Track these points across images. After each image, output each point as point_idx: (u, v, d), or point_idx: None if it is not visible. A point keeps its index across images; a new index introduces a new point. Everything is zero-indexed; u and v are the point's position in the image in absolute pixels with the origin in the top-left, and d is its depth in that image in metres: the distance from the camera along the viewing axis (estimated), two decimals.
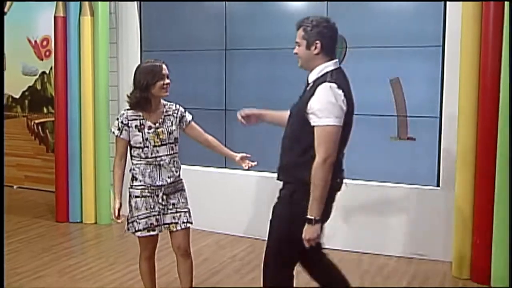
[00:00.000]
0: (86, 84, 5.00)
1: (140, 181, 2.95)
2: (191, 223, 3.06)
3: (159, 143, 2.94)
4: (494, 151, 3.60)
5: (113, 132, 2.98)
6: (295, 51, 2.56)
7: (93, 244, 4.63)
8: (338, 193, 2.62)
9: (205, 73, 5.00)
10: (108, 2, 5.02)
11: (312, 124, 2.41)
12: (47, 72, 6.37)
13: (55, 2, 5.00)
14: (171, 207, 3.00)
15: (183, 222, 3.02)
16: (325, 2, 4.39)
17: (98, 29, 4.95)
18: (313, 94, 2.42)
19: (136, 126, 2.92)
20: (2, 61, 4.89)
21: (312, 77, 2.52)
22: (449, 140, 4.02)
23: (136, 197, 2.96)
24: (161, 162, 2.95)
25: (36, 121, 6.58)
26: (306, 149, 2.45)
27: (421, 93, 4.17)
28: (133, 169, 2.99)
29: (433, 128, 4.14)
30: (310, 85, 2.50)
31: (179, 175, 3.07)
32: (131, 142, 2.96)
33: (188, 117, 3.11)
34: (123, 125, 2.94)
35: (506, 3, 3.54)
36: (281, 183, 2.62)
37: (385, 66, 4.25)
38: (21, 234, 4.76)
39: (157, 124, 2.95)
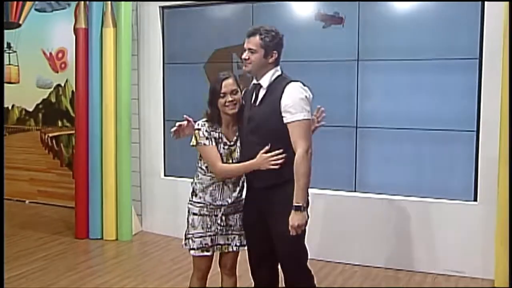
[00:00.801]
0: (108, 97, 4.88)
1: (200, 197, 2.85)
2: (244, 246, 2.94)
3: (231, 162, 2.81)
4: None
5: (204, 144, 2.76)
6: (248, 56, 2.66)
7: (117, 262, 4.47)
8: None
9: None
10: (130, 13, 4.92)
11: (287, 120, 2.58)
12: (62, 84, 6.25)
13: (71, 14, 4.89)
14: (228, 228, 2.89)
15: (236, 245, 2.91)
16: (357, 15, 4.31)
17: (121, 41, 4.85)
18: (280, 95, 2.58)
19: (215, 138, 2.79)
20: (2, 61, 4.75)
21: (265, 82, 2.68)
22: (486, 154, 3.92)
23: (194, 214, 2.86)
24: (227, 181, 2.84)
25: (50, 135, 6.44)
26: (288, 148, 2.59)
27: (457, 106, 4.07)
28: (195, 184, 2.88)
29: (469, 142, 4.05)
30: (266, 90, 2.67)
31: (241, 196, 2.93)
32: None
33: None
34: (208, 134, 2.77)
35: (506, 3, 3.52)
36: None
37: (420, 79, 4.16)
38: (43, 251, 4.61)
39: (232, 142, 2.82)
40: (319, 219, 4.31)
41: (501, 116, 3.70)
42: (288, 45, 2.82)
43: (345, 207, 4.35)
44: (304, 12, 4.54)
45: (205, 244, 2.85)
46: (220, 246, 2.89)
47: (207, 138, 2.77)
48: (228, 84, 2.73)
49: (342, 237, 4.33)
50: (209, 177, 2.84)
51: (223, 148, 2.80)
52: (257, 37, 2.65)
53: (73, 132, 6.16)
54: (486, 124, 3.92)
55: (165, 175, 5.21)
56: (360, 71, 4.34)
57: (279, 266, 2.87)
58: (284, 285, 2.88)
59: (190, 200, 2.90)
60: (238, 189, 2.88)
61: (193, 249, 2.85)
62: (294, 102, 2.57)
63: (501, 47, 3.66)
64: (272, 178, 2.66)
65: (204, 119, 2.83)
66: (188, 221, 2.89)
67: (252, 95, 2.75)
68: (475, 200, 4.03)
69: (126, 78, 4.90)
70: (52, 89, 6.35)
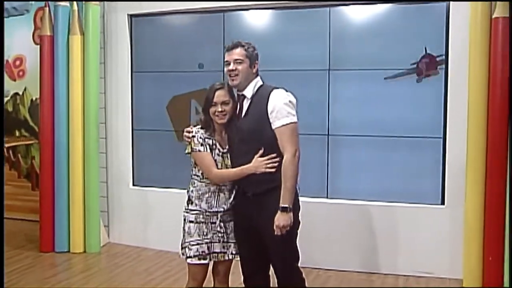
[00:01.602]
0: (75, 106, 4.76)
1: (196, 205, 2.86)
2: (238, 254, 2.95)
3: (224, 168, 2.85)
4: (504, 167, 3.72)
5: (199, 150, 2.81)
6: (236, 67, 2.74)
7: (90, 274, 4.33)
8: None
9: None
10: (99, 20, 4.83)
11: (275, 126, 2.66)
12: (20, 93, 6.03)
13: (29, 21, 4.68)
14: (224, 235, 2.90)
15: (232, 253, 2.92)
16: (328, 24, 4.42)
17: (89, 49, 4.74)
18: (266, 102, 2.67)
19: (209, 145, 2.84)
20: (2, 62, 4.57)
21: (249, 93, 2.76)
22: (453, 159, 4.11)
23: (190, 222, 2.87)
24: (222, 187, 2.87)
25: (7, 145, 6.19)
26: (279, 153, 2.68)
27: (425, 114, 4.23)
28: (191, 191, 2.90)
29: (436, 148, 4.22)
30: (251, 100, 2.75)
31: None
32: None
33: None
34: (202, 140, 2.83)
35: (472, 12, 3.72)
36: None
37: (388, 88, 4.31)
38: (9, 266, 4.39)
39: (224, 149, 2.87)
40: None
41: (468, 122, 3.88)
42: (261, 54, 2.91)
43: (318, 213, 4.41)
44: (276, 21, 4.62)
45: (202, 252, 2.83)
46: (216, 254, 2.88)
47: (201, 145, 2.82)
48: (220, 94, 2.80)
49: (316, 243, 4.39)
50: (204, 184, 2.85)
51: (217, 155, 2.84)
52: (240, 49, 2.77)
53: (32, 142, 6.00)
54: (453, 130, 4.10)
55: (133, 185, 5.12)
56: (331, 80, 4.45)
57: (271, 270, 2.90)
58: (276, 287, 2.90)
59: (186, 209, 2.90)
60: (233, 196, 2.89)
61: (190, 257, 2.83)
62: (280, 107, 2.66)
63: (467, 55, 3.84)
64: (265, 184, 2.72)
65: (199, 126, 2.87)
66: (184, 230, 2.88)
67: (237, 106, 2.82)
68: (443, 203, 4.21)
69: (94, 86, 4.80)
70: (9, 97, 6.11)
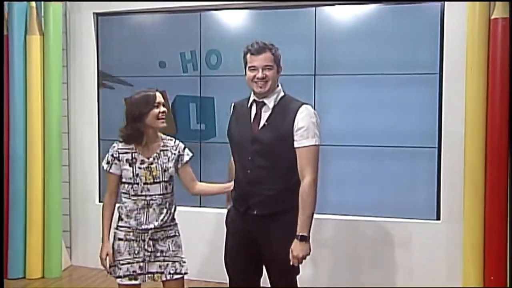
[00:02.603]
0: (34, 114, 4.27)
1: (126, 222, 2.75)
2: (182, 274, 2.80)
3: (151, 181, 2.71)
4: (505, 178, 3.51)
5: (103, 167, 2.78)
6: (266, 74, 2.51)
7: None
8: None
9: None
10: (61, 20, 4.37)
11: (298, 145, 2.46)
12: None
13: None
14: (158, 254, 2.76)
15: (170, 273, 2.76)
16: (313, 27, 4.12)
17: (49, 50, 4.27)
18: (293, 117, 2.46)
19: (127, 160, 2.72)
20: (2, 61, 4.10)
21: (271, 101, 2.54)
22: (449, 171, 3.86)
23: (120, 239, 2.76)
24: (151, 202, 2.72)
25: None
26: (295, 173, 2.47)
27: (418, 122, 3.97)
28: (121, 208, 2.79)
29: (430, 158, 3.96)
30: (272, 110, 2.52)
31: (172, 219, 2.83)
32: (122, 178, 2.75)
33: (186, 156, 2.86)
34: (113, 159, 2.74)
35: (484, 12, 3.52)
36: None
37: (379, 94, 4.03)
38: None
39: (150, 159, 2.73)
40: None
41: (465, 130, 3.65)
42: (240, 58, 2.65)
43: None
44: (257, 22, 4.28)
45: (133, 271, 2.72)
46: (152, 275, 2.75)
47: (108, 162, 2.76)
48: (159, 95, 2.72)
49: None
50: (133, 201, 2.73)
51: (139, 168, 2.70)
52: (268, 53, 2.54)
53: None
54: (448, 140, 3.86)
55: (99, 201, 4.64)
56: (317, 86, 4.15)
57: None
58: None
59: (116, 226, 2.79)
60: (164, 211, 2.75)
61: (120, 277, 2.72)
62: (308, 126, 2.47)
63: (463, 58, 3.63)
64: (276, 205, 2.52)
65: (119, 140, 2.76)
66: (113, 248, 2.76)
67: (250, 113, 2.59)
68: (438, 218, 3.94)
69: (56, 92, 4.33)
70: None
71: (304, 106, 2.52)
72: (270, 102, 2.55)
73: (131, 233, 2.72)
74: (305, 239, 2.45)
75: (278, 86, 2.60)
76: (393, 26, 3.98)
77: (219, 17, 4.35)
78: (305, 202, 2.43)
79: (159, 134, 2.80)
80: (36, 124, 4.28)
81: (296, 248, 2.44)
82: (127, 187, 2.72)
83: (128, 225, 2.73)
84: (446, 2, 3.81)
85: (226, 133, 2.75)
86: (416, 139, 3.98)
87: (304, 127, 2.46)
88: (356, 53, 4.05)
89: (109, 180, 2.77)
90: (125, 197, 2.76)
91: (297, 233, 2.44)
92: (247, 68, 2.57)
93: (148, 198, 2.71)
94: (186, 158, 2.83)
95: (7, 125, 4.28)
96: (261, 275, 2.72)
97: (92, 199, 4.63)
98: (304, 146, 2.46)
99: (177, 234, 2.84)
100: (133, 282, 2.72)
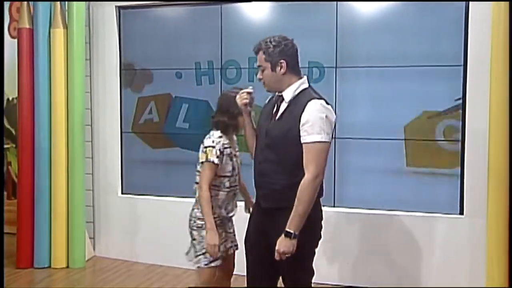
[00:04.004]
0: (58, 107, 4.34)
1: (215, 213, 2.86)
2: (237, 244, 3.09)
3: (238, 172, 2.98)
4: None
5: (213, 161, 2.81)
6: (259, 76, 2.55)
7: None
8: None
9: (198, 94, 4.50)
10: (84, 13, 4.41)
11: (304, 140, 2.39)
12: None
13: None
14: (232, 231, 3.08)
15: (235, 245, 3.07)
16: (335, 19, 4.08)
17: (73, 44, 4.32)
18: (301, 112, 2.39)
19: (228, 154, 2.89)
20: (2, 61, 4.17)
21: (288, 96, 2.48)
22: (473, 165, 3.80)
23: None
24: (236, 192, 2.98)
25: None
26: (301, 169, 2.39)
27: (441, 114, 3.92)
28: (218, 198, 2.92)
29: (454, 152, 3.91)
30: (288, 104, 2.48)
31: None
32: (220, 171, 2.88)
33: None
34: (220, 153, 2.85)
35: (506, 3, 3.42)
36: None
37: (402, 87, 3.99)
38: None
39: (237, 153, 2.99)
40: None
41: (489, 124, 3.58)
42: None
43: (324, 223, 4.06)
44: (278, 15, 4.26)
45: (220, 256, 2.91)
46: (226, 251, 3.00)
47: (217, 157, 2.82)
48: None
49: (322, 256, 4.03)
50: (225, 193, 2.90)
51: (236, 162, 2.93)
52: (260, 53, 2.52)
53: (8, 146, 5.53)
54: (472, 133, 3.79)
55: (122, 193, 4.70)
56: (338, 78, 4.12)
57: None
58: None
59: (198, 217, 2.90)
60: (249, 207, 3.08)
61: (211, 261, 2.88)
62: (313, 121, 2.36)
63: (487, 51, 3.54)
64: (280, 200, 2.47)
65: (219, 135, 2.87)
66: (195, 239, 2.92)
67: (274, 107, 2.58)
68: (462, 213, 3.88)
69: (79, 85, 4.38)
70: None
71: (313, 101, 2.41)
72: (287, 96, 2.49)
73: (218, 221, 2.89)
74: (290, 235, 2.36)
75: (298, 79, 2.51)
76: (416, 18, 3.92)
77: (240, 10, 4.34)
78: (299, 199, 2.35)
79: None
80: (60, 117, 4.34)
81: (280, 242, 2.38)
82: (223, 180, 2.88)
83: (217, 215, 2.88)
84: None
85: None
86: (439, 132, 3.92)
87: (310, 122, 2.36)
88: (378, 45, 4.00)
89: (211, 172, 2.82)
90: (217, 190, 2.89)
91: (286, 228, 2.37)
92: None
93: (236, 188, 2.97)
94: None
95: (32, 118, 4.35)
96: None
97: (114, 191, 4.69)
98: (308, 142, 2.37)
99: None
100: (219, 262, 2.93)
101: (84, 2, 4.41)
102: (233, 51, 4.36)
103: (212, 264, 2.89)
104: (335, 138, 4.13)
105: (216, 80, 4.43)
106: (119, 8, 4.60)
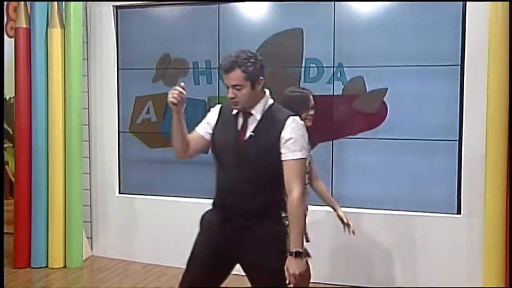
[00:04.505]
0: (55, 106, 4.33)
1: None
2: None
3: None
4: None
5: (306, 158, 2.56)
6: (236, 94, 2.32)
7: None
8: None
9: (196, 93, 4.49)
10: (81, 13, 4.40)
11: (286, 158, 2.34)
12: None
13: None
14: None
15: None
16: (332, 19, 4.09)
17: (70, 43, 4.32)
18: (280, 128, 2.34)
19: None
20: (2, 61, 4.16)
21: (258, 112, 2.40)
22: (470, 164, 3.81)
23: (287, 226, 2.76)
24: (307, 189, 2.96)
25: None
26: (279, 186, 2.37)
27: (438, 114, 3.93)
28: None
29: (451, 151, 3.92)
30: (260, 120, 2.38)
31: None
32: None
33: None
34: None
35: (507, 3, 3.44)
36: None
37: (399, 86, 3.99)
38: None
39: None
40: None
41: (486, 124, 3.59)
42: (259, 50, 2.56)
43: (321, 223, 4.07)
44: (276, 15, 4.26)
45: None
46: None
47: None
48: (311, 98, 2.99)
49: (319, 256, 4.03)
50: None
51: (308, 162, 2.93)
52: (238, 71, 2.31)
53: (5, 145, 5.52)
54: (469, 132, 3.80)
55: (120, 193, 4.70)
56: (336, 78, 4.12)
57: None
58: None
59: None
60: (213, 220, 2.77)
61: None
62: (296, 139, 2.35)
63: (485, 49, 3.54)
64: (257, 219, 2.38)
65: None
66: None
67: (235, 122, 2.42)
68: (459, 213, 3.89)
69: (76, 84, 4.37)
70: None
71: (291, 118, 2.38)
72: (257, 113, 2.40)
73: None
74: (300, 254, 2.32)
75: (265, 93, 2.43)
76: (414, 17, 3.93)
77: (238, 9, 4.34)
78: (295, 216, 2.32)
79: None
80: (57, 117, 4.33)
81: (292, 265, 2.31)
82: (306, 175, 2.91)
83: None
84: None
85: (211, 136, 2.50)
86: (436, 132, 3.93)
87: (293, 139, 2.34)
88: (375, 45, 4.02)
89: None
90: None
91: (291, 250, 2.31)
92: None
93: (307, 186, 3.01)
94: None
95: (29, 117, 4.34)
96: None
97: (112, 190, 4.69)
98: (292, 159, 2.33)
99: None
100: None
101: (81, 2, 4.40)
102: (230, 51, 4.28)
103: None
104: (332, 137, 4.15)
105: (214, 80, 4.43)
106: (117, 7, 4.60)
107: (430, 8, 3.89)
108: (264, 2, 4.27)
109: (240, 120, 2.42)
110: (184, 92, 2.28)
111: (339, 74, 4.11)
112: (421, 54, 3.92)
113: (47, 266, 4.40)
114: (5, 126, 5.48)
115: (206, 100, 4.43)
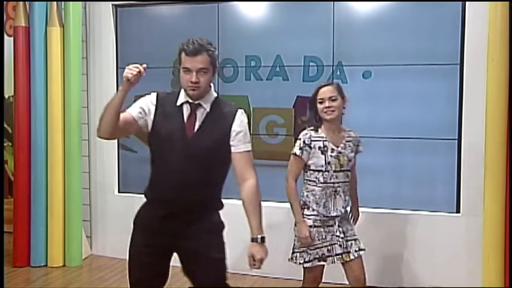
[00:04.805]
0: (55, 105, 4.32)
1: (314, 210, 2.88)
2: (364, 249, 2.97)
3: (339, 169, 2.89)
4: None
5: (295, 153, 2.89)
6: (199, 78, 2.30)
7: None
8: None
9: None
10: (81, 12, 4.40)
11: (238, 150, 2.40)
12: None
13: None
14: (343, 236, 2.92)
15: (355, 251, 2.92)
16: (332, 18, 4.09)
17: (70, 42, 4.31)
18: (231, 121, 2.38)
19: (319, 147, 2.87)
20: (2, 61, 4.18)
21: (208, 103, 2.39)
22: (469, 163, 3.81)
23: (309, 226, 2.87)
24: (338, 189, 2.90)
25: None
26: (222, 179, 2.47)
27: (438, 113, 3.93)
28: (307, 196, 2.92)
29: (451, 150, 3.92)
30: (208, 112, 2.38)
31: (348, 205, 3.05)
32: (311, 165, 2.89)
33: (360, 148, 3.11)
34: (305, 145, 2.88)
35: (507, 3, 3.44)
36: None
37: (398, 85, 3.99)
38: None
39: (339, 148, 2.91)
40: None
41: (486, 123, 3.58)
42: (259, 49, 2.55)
43: None
44: (275, 13, 4.26)
45: (322, 254, 2.88)
46: (340, 256, 2.89)
47: (300, 148, 2.86)
48: (325, 91, 2.88)
49: None
50: (321, 188, 2.86)
51: (330, 156, 2.85)
52: (205, 55, 2.30)
53: (4, 144, 5.52)
54: (469, 131, 3.80)
55: (119, 192, 4.70)
56: (335, 76, 4.12)
57: None
58: None
59: (302, 214, 2.90)
60: (347, 198, 2.97)
61: (309, 261, 2.86)
62: (245, 131, 2.43)
63: (484, 48, 3.54)
64: (203, 211, 2.42)
65: (312, 128, 2.90)
66: (296, 237, 2.91)
67: (182, 113, 2.38)
68: (458, 211, 3.90)
69: (76, 83, 4.37)
70: None
71: (240, 111, 2.43)
72: (206, 104, 2.38)
73: (319, 220, 2.88)
74: (264, 240, 2.35)
75: (211, 87, 2.43)
76: (413, 16, 3.93)
77: (237, 8, 4.34)
78: (255, 204, 2.37)
79: (341, 126, 3.02)
80: (56, 115, 4.33)
81: (257, 250, 2.33)
82: (317, 174, 2.87)
83: (316, 213, 2.88)
84: None
85: (149, 128, 2.41)
86: (436, 131, 3.93)
87: (243, 131, 2.40)
88: (375, 44, 4.01)
89: (297, 166, 2.90)
90: (312, 185, 2.90)
91: (256, 236, 2.34)
92: (180, 68, 2.36)
93: (336, 185, 2.88)
94: (360, 149, 3.09)
95: (28, 116, 4.34)
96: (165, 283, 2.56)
97: (111, 189, 4.68)
98: (246, 151, 2.40)
99: (350, 214, 3.11)
100: (321, 263, 2.89)
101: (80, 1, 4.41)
102: (230, 50, 4.35)
103: (306, 265, 2.88)
104: None
105: (213, 78, 4.41)
106: (116, 6, 4.59)
107: (430, 7, 3.89)
108: (265, 2, 4.27)
109: (186, 112, 2.38)
110: (144, 74, 2.26)
111: (338, 73, 4.11)
112: (421, 53, 3.92)
113: (46, 265, 4.40)
114: (5, 125, 5.48)
115: None
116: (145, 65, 2.28)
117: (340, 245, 2.89)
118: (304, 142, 2.86)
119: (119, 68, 4.64)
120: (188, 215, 2.37)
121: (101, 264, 4.52)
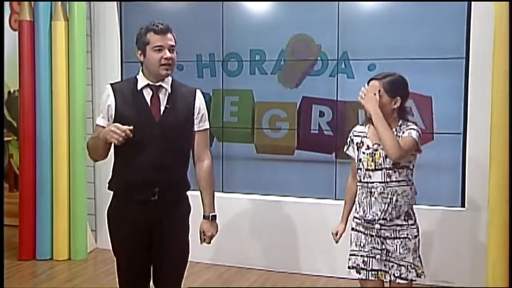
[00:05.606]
0: (60, 99, 4.34)
1: (357, 212, 2.64)
2: (407, 279, 2.52)
3: (373, 167, 2.54)
4: None
5: (342, 147, 2.76)
6: (172, 56, 2.38)
7: (75, 284, 3.94)
8: None
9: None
10: (85, 6, 4.40)
11: (200, 128, 2.49)
12: None
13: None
14: (385, 253, 2.55)
15: (394, 275, 2.53)
16: (337, 11, 4.07)
17: (74, 36, 4.32)
18: (193, 101, 2.46)
19: (356, 143, 2.63)
20: (2, 60, 4.16)
21: (168, 85, 2.43)
22: (474, 157, 3.79)
23: (352, 229, 2.66)
24: (373, 190, 2.54)
25: None
26: (189, 158, 2.51)
27: (443, 107, 3.91)
28: (357, 196, 2.67)
29: (456, 144, 3.90)
30: (170, 93, 2.41)
31: (403, 217, 2.58)
32: (355, 162, 2.67)
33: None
34: (349, 140, 2.70)
35: (507, 3, 3.39)
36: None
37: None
38: None
39: (375, 145, 2.55)
40: (298, 229, 4.05)
41: (491, 117, 3.56)
42: (263, 44, 2.54)
43: (326, 216, 4.07)
44: (280, 7, 4.25)
45: (357, 264, 2.60)
46: (375, 273, 2.56)
47: (347, 143, 2.70)
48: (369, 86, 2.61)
49: (323, 248, 4.04)
50: (359, 187, 2.62)
51: (363, 153, 2.57)
52: (172, 34, 2.44)
53: (9, 138, 5.56)
54: (474, 125, 3.78)
55: None
56: (340, 71, 4.10)
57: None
58: None
59: (353, 217, 2.71)
60: (387, 202, 2.53)
61: (349, 267, 2.63)
62: (204, 110, 2.53)
63: (491, 45, 3.52)
64: (179, 191, 2.50)
65: (361, 123, 2.72)
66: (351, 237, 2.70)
67: (144, 98, 2.39)
68: (463, 206, 3.88)
69: (80, 77, 4.38)
70: None
71: (198, 91, 2.53)
72: (167, 86, 2.42)
73: (360, 225, 2.61)
74: (215, 217, 2.52)
75: None
76: (418, 10, 3.90)
77: (242, 2, 4.33)
78: (210, 182, 2.52)
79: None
80: (61, 109, 4.35)
81: (209, 227, 2.50)
82: (359, 172, 2.59)
83: (358, 215, 2.62)
84: None
85: (113, 118, 2.36)
86: (441, 125, 3.91)
87: (202, 110, 2.50)
88: (380, 38, 3.99)
89: (353, 163, 2.69)
90: (357, 184, 2.64)
91: (208, 213, 2.49)
92: (149, 49, 2.36)
93: (370, 185, 2.54)
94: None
95: (33, 110, 4.36)
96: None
97: None
98: (205, 129, 2.51)
99: (410, 236, 2.56)
100: (357, 275, 2.60)
101: None
102: (234, 44, 4.35)
103: (352, 271, 2.61)
104: (336, 131, 4.14)
105: (218, 73, 4.43)
106: (120, 0, 4.58)
107: (435, 2, 3.86)
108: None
109: (148, 95, 2.39)
110: (130, 135, 2.22)
111: (343, 66, 4.10)
112: (426, 46, 3.90)
113: (51, 258, 4.43)
114: (10, 119, 5.51)
115: (211, 94, 4.43)
116: (132, 128, 2.22)
117: (377, 260, 2.55)
118: (349, 136, 2.69)
119: (124, 63, 4.65)
120: (170, 195, 2.43)
121: (106, 257, 4.52)
